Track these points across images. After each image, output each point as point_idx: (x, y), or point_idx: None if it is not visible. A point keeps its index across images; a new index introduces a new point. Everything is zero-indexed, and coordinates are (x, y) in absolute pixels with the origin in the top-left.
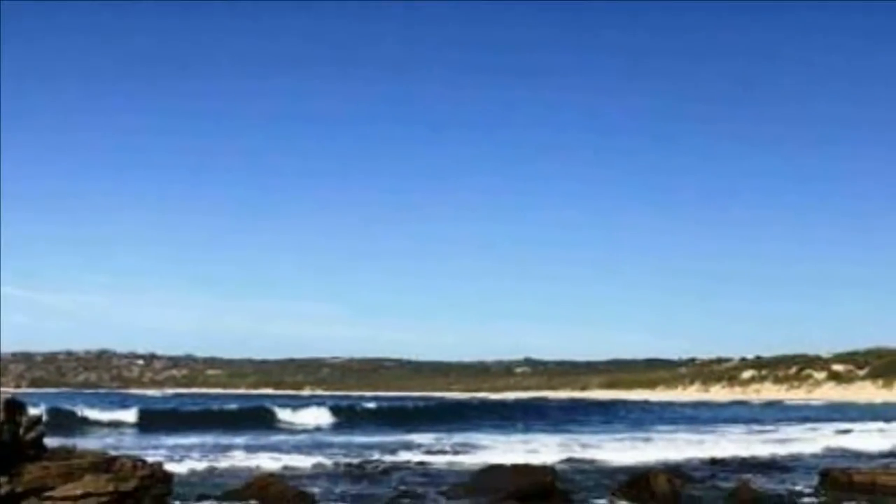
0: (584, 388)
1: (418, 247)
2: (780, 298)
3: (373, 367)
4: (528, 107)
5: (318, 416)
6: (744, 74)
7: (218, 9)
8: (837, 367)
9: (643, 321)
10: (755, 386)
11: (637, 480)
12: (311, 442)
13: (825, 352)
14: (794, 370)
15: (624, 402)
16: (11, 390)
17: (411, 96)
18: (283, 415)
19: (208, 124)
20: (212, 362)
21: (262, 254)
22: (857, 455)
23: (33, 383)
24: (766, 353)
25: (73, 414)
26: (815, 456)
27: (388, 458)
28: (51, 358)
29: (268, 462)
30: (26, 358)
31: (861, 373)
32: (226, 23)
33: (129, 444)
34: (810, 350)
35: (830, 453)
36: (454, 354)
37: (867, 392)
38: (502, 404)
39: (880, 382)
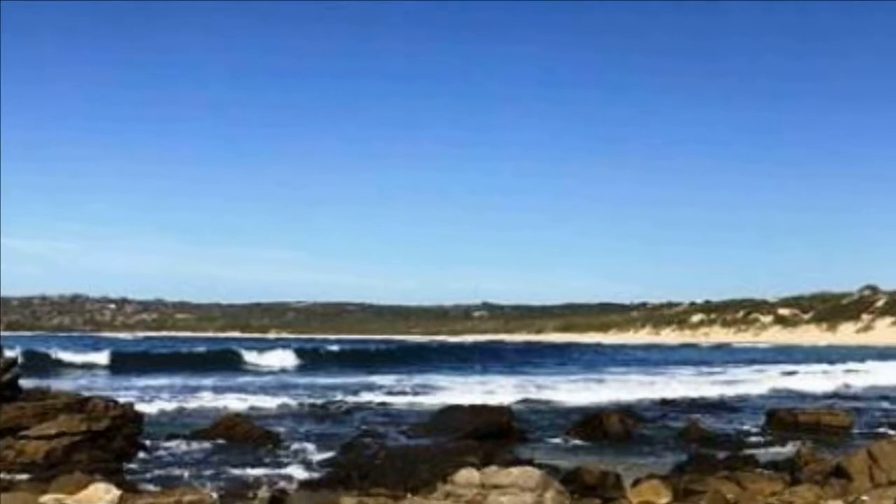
0: (539, 332)
1: (379, 195)
2: (728, 245)
3: (336, 311)
4: (483, 60)
5: (284, 359)
6: (691, 29)
7: None
8: (783, 312)
9: (596, 267)
10: (704, 329)
11: (590, 420)
12: (277, 383)
13: (771, 296)
14: (741, 314)
15: (578, 345)
16: None
17: (370, 50)
18: (250, 357)
19: (175, 77)
20: (181, 306)
21: (229, 202)
22: (802, 396)
23: (9, 327)
24: (715, 298)
25: (47, 356)
26: (761, 397)
27: (351, 399)
28: (26, 302)
29: (235, 403)
30: (2, 302)
31: (806, 317)
32: None
33: (101, 386)
34: (757, 295)
35: (776, 394)
36: (414, 299)
37: (812, 335)
38: (460, 347)
39: (824, 326)
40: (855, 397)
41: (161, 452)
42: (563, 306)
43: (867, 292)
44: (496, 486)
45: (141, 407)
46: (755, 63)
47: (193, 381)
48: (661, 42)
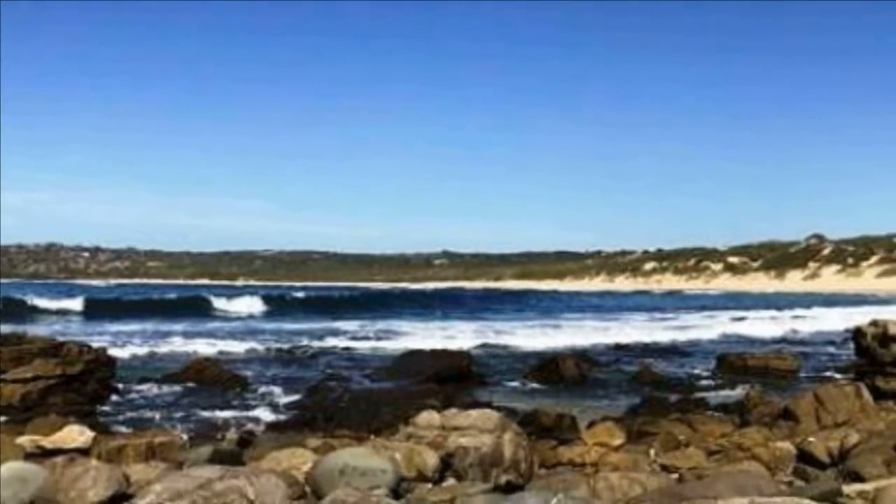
0: (497, 279)
1: (344, 148)
2: (680, 195)
3: (301, 259)
4: (445, 18)
5: (251, 305)
6: None
7: None
8: (733, 260)
9: (553, 216)
10: (657, 276)
11: (547, 364)
12: (245, 329)
13: (722, 245)
14: (692, 262)
15: (535, 292)
16: None
17: (337, 8)
18: (219, 303)
19: (149, 34)
20: (152, 255)
21: (200, 154)
22: (751, 341)
23: None
24: (667, 246)
25: (23, 303)
26: (712, 341)
27: (316, 344)
28: (2, 251)
29: (204, 347)
30: None
31: (755, 264)
32: None
33: (75, 331)
34: (708, 243)
35: (726, 339)
36: (377, 247)
37: (760, 282)
38: (422, 293)
39: (772, 273)
40: (802, 342)
41: (133, 395)
42: (521, 255)
43: (814, 241)
44: (456, 428)
45: (114, 351)
46: (706, 20)
47: (164, 327)
48: (615, 1)
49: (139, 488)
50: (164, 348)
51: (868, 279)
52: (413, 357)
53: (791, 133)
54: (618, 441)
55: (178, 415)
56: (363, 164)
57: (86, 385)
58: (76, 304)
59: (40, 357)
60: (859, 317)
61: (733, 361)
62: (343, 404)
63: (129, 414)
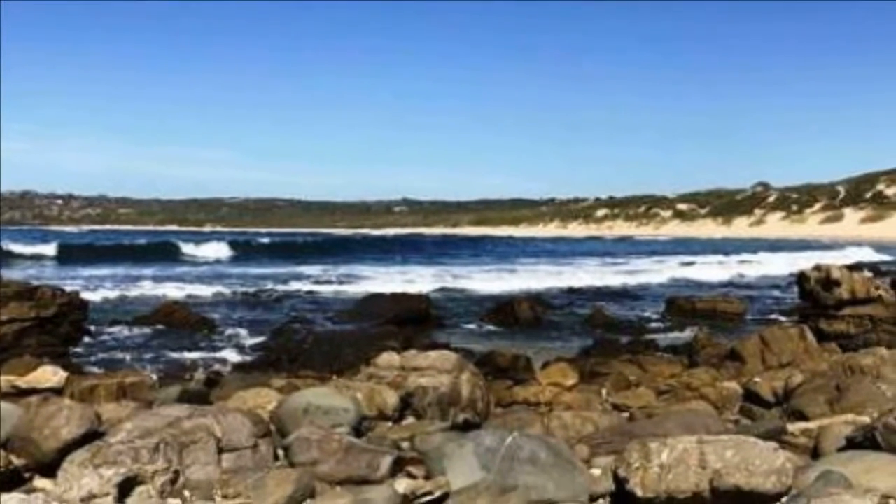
0: (455, 225)
1: (308, 99)
2: (631, 145)
3: (267, 207)
4: None
5: (218, 250)
6: None
7: None
8: (682, 207)
9: (508, 165)
10: (608, 223)
11: (503, 307)
12: (212, 273)
13: (671, 193)
14: (643, 209)
15: (491, 238)
16: None
17: None
18: (187, 249)
19: None
20: (123, 202)
21: (169, 105)
22: (699, 285)
23: None
24: (619, 194)
25: None
26: (661, 285)
27: (281, 288)
28: None
29: (173, 291)
30: None
31: (703, 211)
32: None
33: (49, 275)
34: (658, 191)
35: (675, 283)
36: (339, 195)
37: (708, 228)
38: (382, 239)
39: (720, 220)
40: (748, 286)
41: (105, 337)
42: (478, 202)
43: (759, 189)
44: (415, 369)
45: (86, 295)
46: None
47: (135, 271)
48: None
49: (110, 426)
50: (134, 292)
51: (811, 225)
52: (374, 300)
53: (738, 86)
54: (571, 381)
55: (148, 356)
56: (326, 115)
57: (59, 327)
58: (50, 249)
59: (15, 300)
60: (803, 262)
61: (682, 305)
62: (306, 346)
63: (101, 355)
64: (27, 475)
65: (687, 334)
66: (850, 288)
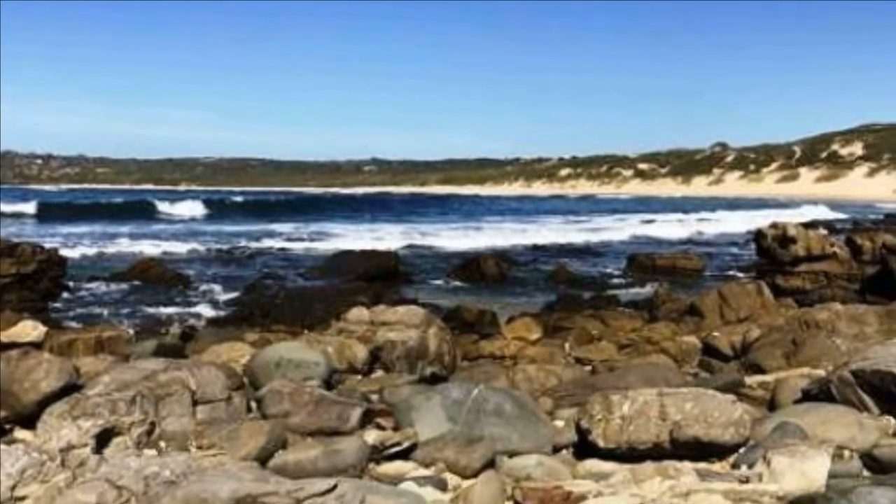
0: (423, 184)
1: (281, 62)
2: (594, 107)
3: (240, 166)
4: None
5: (193, 208)
6: None
7: None
8: (643, 166)
9: (475, 126)
10: (571, 182)
11: (469, 264)
12: (187, 231)
13: (632, 152)
14: (605, 168)
15: (458, 197)
16: None
17: None
18: (163, 207)
19: None
20: (101, 162)
21: (146, 67)
22: (659, 242)
23: None
24: (582, 154)
25: None
26: (623, 242)
27: (254, 245)
28: None
29: (149, 248)
30: None
31: (663, 171)
32: None
33: (28, 233)
34: (619, 151)
35: (636, 240)
36: (311, 155)
37: (668, 187)
38: (352, 198)
39: (679, 179)
40: (707, 243)
41: (83, 293)
42: (445, 161)
43: (718, 149)
44: (384, 323)
45: (65, 252)
46: None
47: (112, 229)
48: None
49: (88, 379)
50: (111, 249)
51: (768, 184)
52: (344, 257)
53: (699, 49)
54: (535, 335)
55: (125, 311)
56: (298, 77)
57: (39, 283)
58: (30, 207)
59: None
60: (760, 219)
61: (643, 261)
62: (279, 301)
63: (79, 310)
64: (7, 427)
65: (647, 290)
66: (806, 245)
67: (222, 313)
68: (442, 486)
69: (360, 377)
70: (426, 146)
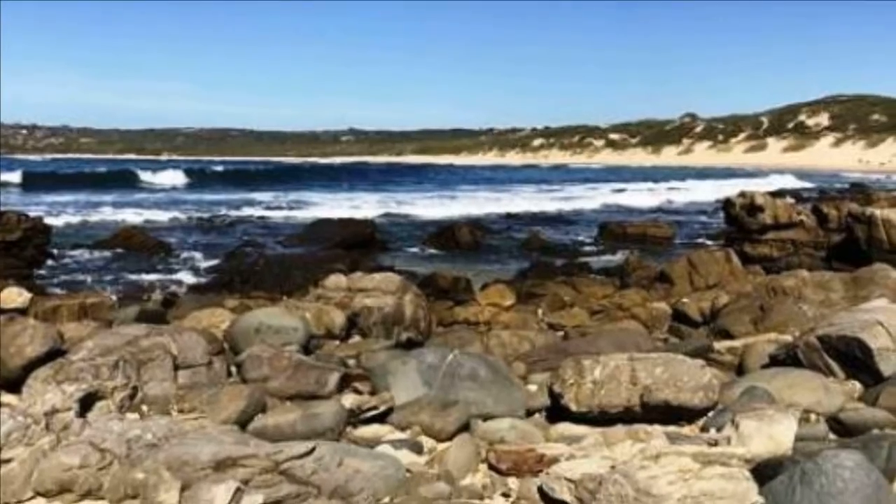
0: (399, 154)
1: (261, 35)
2: (566, 78)
3: (220, 136)
4: None
5: (174, 178)
6: None
7: None
8: (614, 136)
9: (449, 97)
10: (544, 152)
11: (444, 232)
12: (168, 199)
13: (603, 123)
14: (577, 138)
15: (433, 166)
16: None
17: None
18: (145, 176)
19: None
20: (84, 132)
21: (128, 40)
22: (630, 210)
23: None
24: (554, 124)
25: None
26: (594, 211)
27: (234, 213)
28: None
29: (131, 216)
30: None
31: (634, 141)
32: None
33: (14, 202)
34: (591, 121)
35: (607, 209)
36: (289, 125)
37: (639, 157)
38: (330, 168)
39: (650, 149)
40: (676, 212)
41: (67, 260)
42: (421, 132)
43: (687, 120)
44: (361, 290)
45: (49, 220)
46: None
47: (95, 198)
48: None
49: (72, 345)
50: (94, 217)
51: (736, 154)
52: (322, 225)
53: (669, 21)
54: (509, 302)
55: (108, 278)
56: (277, 49)
57: (24, 251)
58: (15, 177)
59: None
60: (729, 188)
61: (614, 229)
62: (258, 268)
63: (63, 277)
64: None
65: (618, 257)
66: (773, 213)
67: (203, 280)
68: (417, 448)
69: (337, 342)
70: (402, 117)
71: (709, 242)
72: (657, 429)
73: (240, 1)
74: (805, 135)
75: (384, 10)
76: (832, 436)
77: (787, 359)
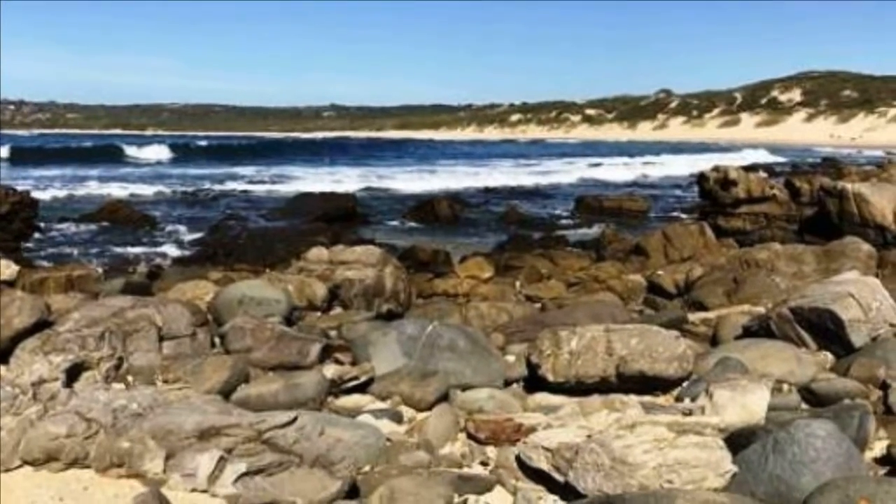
0: (379, 129)
1: (243, 12)
2: (543, 55)
3: (204, 112)
4: None
5: (159, 152)
6: None
7: None
8: (590, 112)
9: (429, 73)
10: (522, 127)
11: (423, 205)
12: (153, 174)
13: (580, 99)
14: (554, 114)
15: (413, 141)
16: None
17: None
18: (130, 151)
19: None
20: (71, 107)
21: (114, 17)
22: (606, 184)
23: None
24: (532, 100)
25: None
26: (571, 185)
27: (217, 187)
28: None
29: (117, 190)
30: None
31: (610, 116)
32: None
33: (2, 176)
34: (568, 97)
35: (584, 183)
36: (272, 101)
37: (614, 132)
38: (312, 142)
39: (625, 124)
40: (652, 186)
41: (54, 233)
42: (401, 107)
43: (662, 95)
44: (343, 263)
45: (36, 194)
46: None
47: (81, 172)
48: None
49: (59, 316)
50: (81, 191)
51: (710, 129)
52: (304, 199)
53: None
54: (487, 274)
55: (94, 250)
56: (260, 26)
57: (11, 224)
58: (2, 151)
59: None
60: (703, 163)
61: (590, 203)
62: (241, 241)
63: (51, 250)
64: None
65: (595, 230)
66: (747, 187)
67: (187, 253)
68: (398, 418)
69: (319, 314)
70: (383, 93)
71: (683, 216)
72: (633, 399)
73: None
74: (778, 110)
75: None
76: (804, 405)
77: (759, 330)
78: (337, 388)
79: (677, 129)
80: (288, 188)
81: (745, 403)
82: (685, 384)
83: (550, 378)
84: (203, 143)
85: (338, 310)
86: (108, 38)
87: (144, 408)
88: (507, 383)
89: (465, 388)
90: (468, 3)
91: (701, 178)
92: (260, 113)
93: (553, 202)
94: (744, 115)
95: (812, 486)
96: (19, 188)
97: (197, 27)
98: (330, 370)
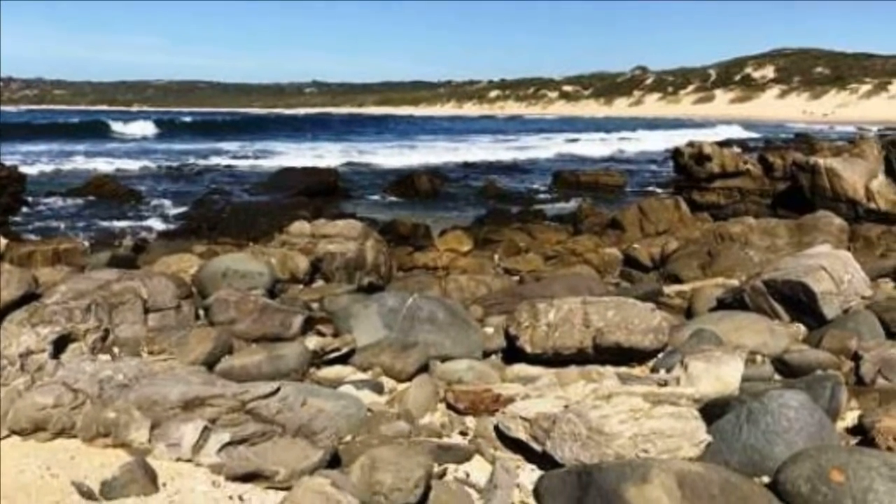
0: (361, 105)
1: None
2: (521, 32)
3: (189, 88)
4: None
5: (144, 128)
6: None
7: None
8: (567, 88)
9: (409, 51)
10: (500, 103)
11: (404, 180)
12: (139, 149)
13: (557, 75)
14: (532, 90)
15: (393, 117)
16: None
17: None
18: (116, 127)
19: None
20: (58, 84)
21: None
22: (583, 159)
23: None
24: (510, 77)
25: None
26: (548, 160)
27: (202, 162)
28: None
29: (103, 165)
30: None
31: (586, 93)
32: None
33: None
34: (545, 74)
35: (561, 158)
36: (255, 77)
37: (591, 108)
38: (294, 118)
39: (602, 101)
40: (628, 161)
41: (41, 207)
42: (381, 84)
43: (638, 72)
44: (325, 236)
45: (24, 169)
46: None
47: (68, 147)
48: None
49: (46, 289)
50: (68, 166)
51: (685, 106)
52: (286, 173)
53: None
54: (466, 247)
55: (81, 224)
56: (244, 4)
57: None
58: None
59: None
60: (678, 139)
61: (567, 177)
62: (225, 215)
63: (38, 224)
64: None
65: (572, 205)
66: (721, 162)
67: (172, 227)
68: (378, 389)
69: (301, 287)
70: (364, 69)
71: (659, 190)
72: (609, 370)
73: None
74: (751, 87)
75: None
76: (777, 376)
77: (733, 302)
78: (319, 359)
79: (653, 106)
80: (271, 163)
81: (720, 374)
82: (660, 355)
83: (528, 349)
84: (188, 118)
85: (320, 282)
86: (94, 16)
87: (130, 379)
88: (486, 354)
89: (444, 359)
90: None
91: (676, 153)
92: (243, 89)
93: (531, 177)
94: (718, 92)
95: (785, 456)
96: (7, 163)
97: (182, 5)
98: (312, 342)
